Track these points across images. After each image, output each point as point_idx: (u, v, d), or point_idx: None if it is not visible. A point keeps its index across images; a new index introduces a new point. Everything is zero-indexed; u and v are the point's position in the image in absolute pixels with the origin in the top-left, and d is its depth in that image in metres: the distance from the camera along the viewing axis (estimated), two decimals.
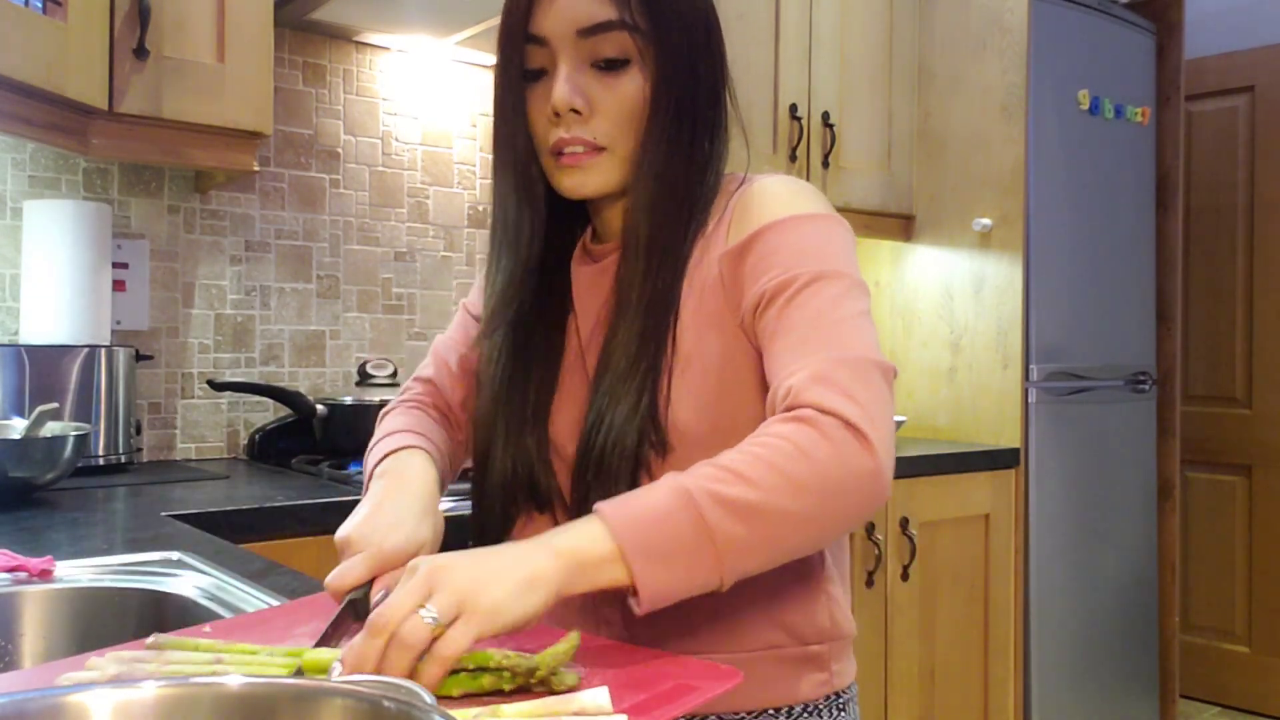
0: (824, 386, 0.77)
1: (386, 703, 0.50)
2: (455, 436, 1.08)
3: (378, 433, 1.03)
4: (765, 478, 0.74)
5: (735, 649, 0.91)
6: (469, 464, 1.05)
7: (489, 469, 0.97)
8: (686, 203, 0.93)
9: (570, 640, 0.69)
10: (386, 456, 0.96)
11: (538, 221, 0.97)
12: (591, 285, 0.98)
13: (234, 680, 0.52)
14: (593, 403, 0.91)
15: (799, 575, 0.94)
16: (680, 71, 0.92)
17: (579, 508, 0.91)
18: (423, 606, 0.66)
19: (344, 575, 0.81)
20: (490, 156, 2.44)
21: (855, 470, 0.75)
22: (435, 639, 0.65)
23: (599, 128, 0.90)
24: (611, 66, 0.90)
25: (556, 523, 0.94)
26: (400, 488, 0.90)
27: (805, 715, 0.94)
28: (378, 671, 0.64)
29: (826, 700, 0.95)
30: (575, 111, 0.89)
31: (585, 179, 0.92)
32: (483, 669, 0.68)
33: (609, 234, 0.99)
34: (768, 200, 0.92)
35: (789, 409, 0.78)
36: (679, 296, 0.91)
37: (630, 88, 0.90)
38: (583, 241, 1.02)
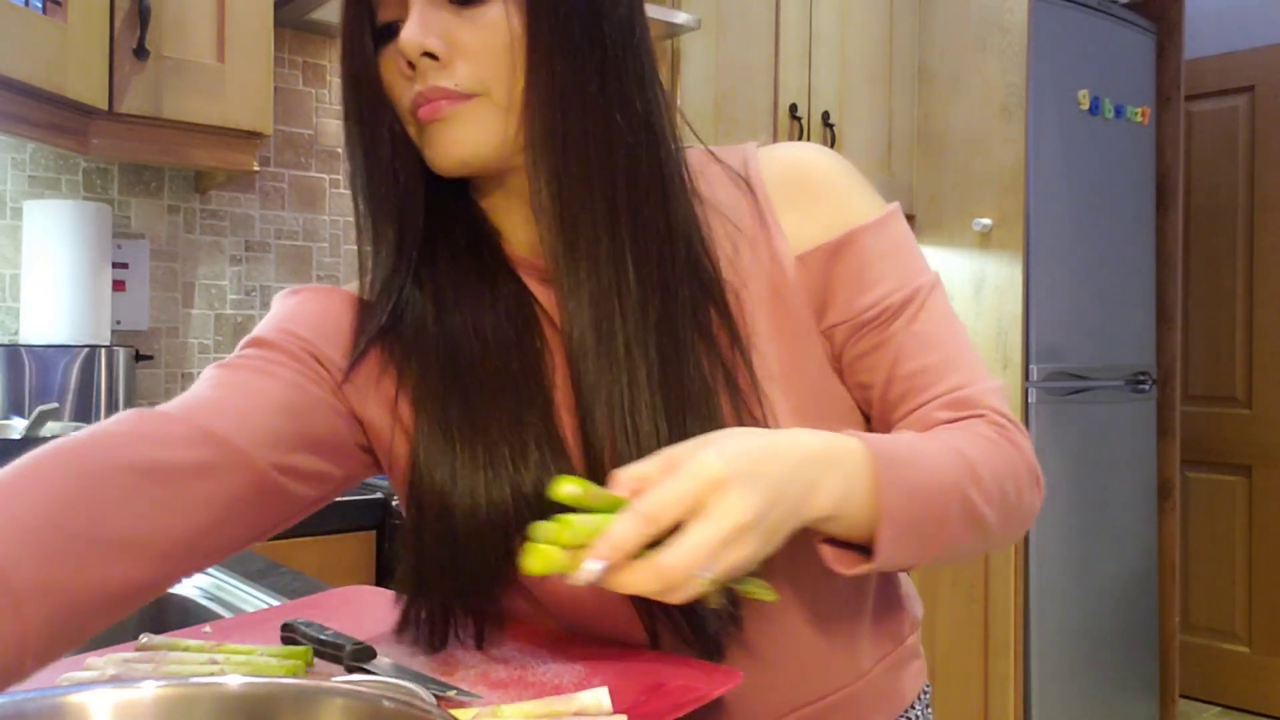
0: (999, 398, 0.77)
1: (386, 702, 0.50)
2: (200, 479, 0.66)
3: None
4: (993, 493, 0.70)
5: (855, 678, 0.81)
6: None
7: (466, 514, 0.71)
8: (617, 173, 0.72)
9: (772, 593, 0.64)
10: None
11: (410, 220, 0.78)
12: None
13: (234, 680, 0.52)
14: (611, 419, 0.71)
15: (893, 577, 0.87)
16: None
17: None
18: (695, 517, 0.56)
19: None
20: None
21: (1035, 508, 0.76)
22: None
23: (460, 73, 0.70)
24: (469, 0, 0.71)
25: None
26: None
27: (914, 712, 0.87)
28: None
29: (925, 688, 0.90)
30: (430, 57, 0.70)
31: (454, 134, 0.71)
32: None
33: (521, 236, 0.78)
34: (833, 186, 0.79)
35: (969, 407, 0.75)
36: (716, 298, 0.75)
37: (493, 16, 0.70)
38: (509, 255, 0.79)
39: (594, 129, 0.71)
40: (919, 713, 0.87)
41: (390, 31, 0.73)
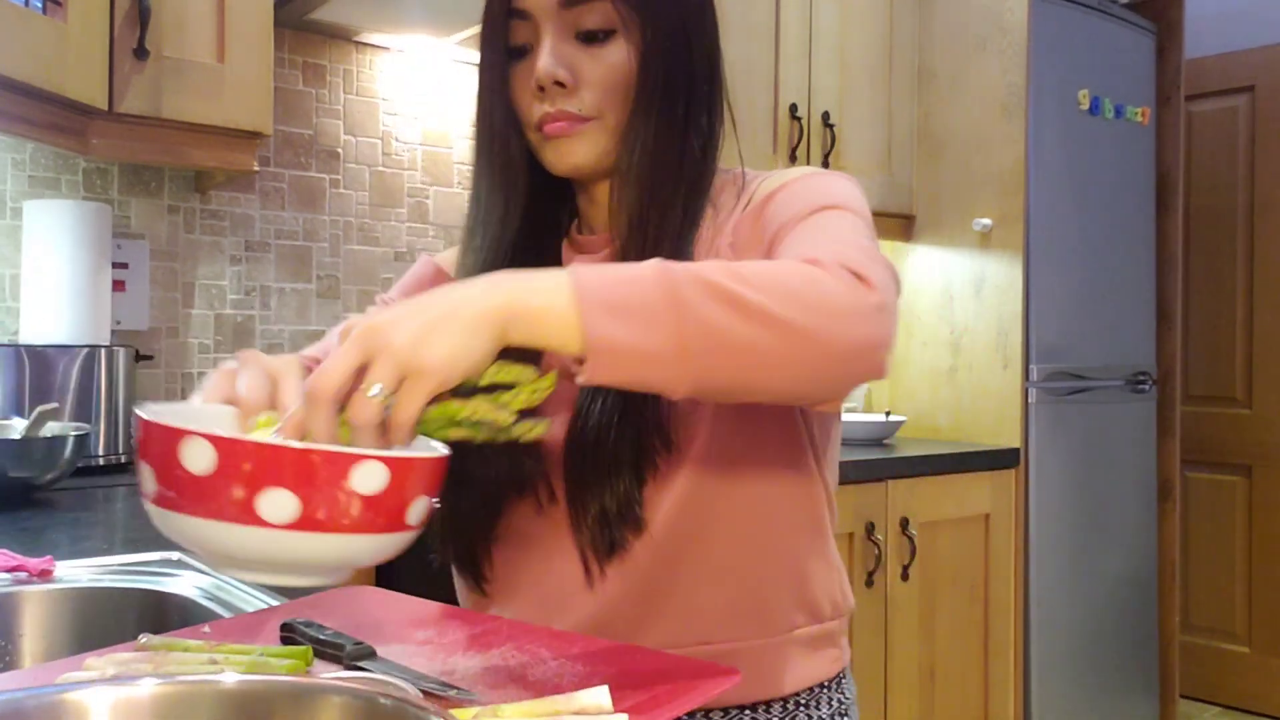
0: (841, 255, 0.72)
1: (382, 700, 0.50)
2: None
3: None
4: (761, 282, 0.66)
5: (763, 635, 0.88)
6: None
7: (467, 453, 0.88)
8: (681, 180, 0.89)
9: (548, 379, 0.67)
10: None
11: (515, 200, 0.93)
12: None
13: (231, 678, 0.52)
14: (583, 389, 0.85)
15: (815, 549, 0.92)
16: (671, 42, 0.89)
17: (578, 490, 0.86)
18: (361, 372, 0.61)
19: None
20: None
21: (858, 304, 0.68)
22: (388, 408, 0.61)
23: (585, 100, 0.87)
24: (595, 38, 0.88)
25: (539, 510, 0.89)
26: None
27: (823, 692, 0.93)
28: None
29: (836, 686, 0.95)
30: (559, 85, 0.87)
31: (572, 147, 0.88)
32: (453, 423, 0.66)
33: (598, 222, 0.96)
34: (785, 173, 0.91)
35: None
36: None
37: (616, 58, 0.88)
38: (569, 234, 0.98)
39: (673, 144, 0.89)
40: (829, 696, 0.93)
41: (519, 52, 0.90)
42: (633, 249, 0.87)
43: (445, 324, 0.62)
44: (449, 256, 1.03)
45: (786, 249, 0.80)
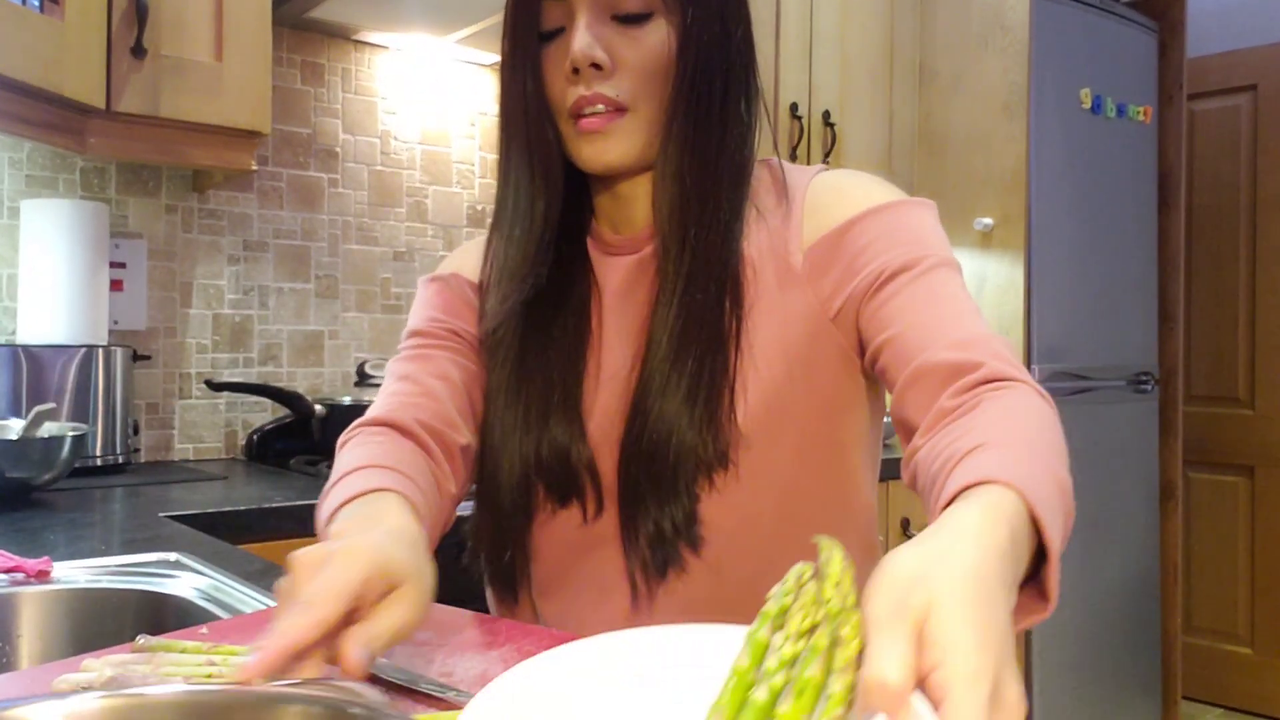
0: (1010, 362, 0.73)
1: (353, 710, 0.48)
2: (442, 469, 0.86)
3: (333, 472, 0.81)
4: (1044, 443, 0.65)
5: None
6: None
7: (505, 456, 0.87)
8: (727, 173, 0.85)
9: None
10: (345, 505, 0.73)
11: (554, 190, 0.88)
12: (627, 281, 0.90)
13: (187, 688, 0.50)
14: (638, 389, 0.83)
15: (865, 573, 0.89)
16: (709, 24, 0.84)
17: (628, 498, 0.84)
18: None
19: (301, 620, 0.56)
20: (489, 156, 2.46)
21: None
22: None
23: (622, 84, 0.83)
24: (634, 19, 0.83)
25: (585, 517, 0.86)
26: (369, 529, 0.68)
27: None
28: None
29: None
30: (596, 67, 0.82)
31: (607, 145, 0.84)
32: None
33: (620, 218, 0.91)
34: (850, 189, 0.86)
35: (985, 380, 0.72)
36: (736, 278, 0.84)
37: (654, 39, 0.83)
38: (594, 232, 0.94)
39: (711, 135, 0.85)
40: None
41: (550, 36, 0.85)
42: (673, 246, 0.84)
43: (1007, 654, 0.46)
44: (465, 263, 0.98)
45: (921, 313, 0.77)
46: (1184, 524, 3.30)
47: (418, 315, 0.99)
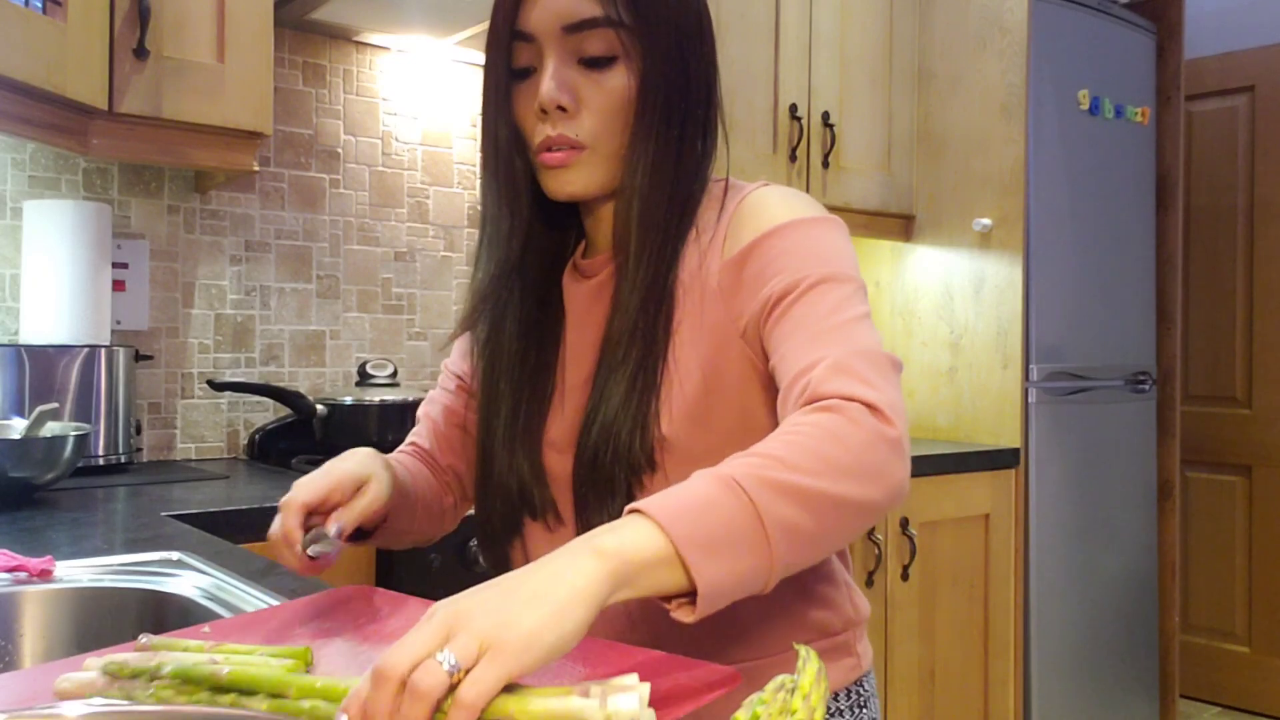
0: (844, 376, 0.75)
1: None
2: (443, 481, 1.07)
3: None
4: (805, 462, 0.69)
5: (766, 654, 0.91)
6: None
7: (489, 479, 0.98)
8: (677, 201, 0.92)
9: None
10: None
11: (519, 219, 0.96)
12: (587, 302, 0.97)
13: (121, 706, 0.50)
14: (589, 399, 0.91)
15: (821, 575, 0.94)
16: (669, 68, 0.91)
17: (580, 503, 0.91)
18: (439, 651, 0.56)
19: (286, 506, 0.87)
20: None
21: (886, 451, 0.73)
22: (456, 685, 0.55)
23: (584, 125, 0.90)
24: (597, 64, 0.90)
25: (549, 531, 0.96)
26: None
27: (843, 699, 0.96)
28: None
29: (856, 683, 0.97)
30: (561, 109, 0.89)
31: (569, 177, 0.92)
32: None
33: (602, 244, 0.98)
34: (765, 209, 0.90)
35: (810, 400, 0.75)
36: (670, 296, 0.90)
37: (616, 84, 0.90)
38: (574, 259, 1.01)
39: (668, 166, 0.92)
40: (841, 706, 0.96)
41: (523, 73, 0.93)
42: (627, 268, 0.91)
43: (541, 599, 0.58)
44: (455, 359, 1.10)
45: (789, 340, 0.81)
46: (1181, 523, 3.31)
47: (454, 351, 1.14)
